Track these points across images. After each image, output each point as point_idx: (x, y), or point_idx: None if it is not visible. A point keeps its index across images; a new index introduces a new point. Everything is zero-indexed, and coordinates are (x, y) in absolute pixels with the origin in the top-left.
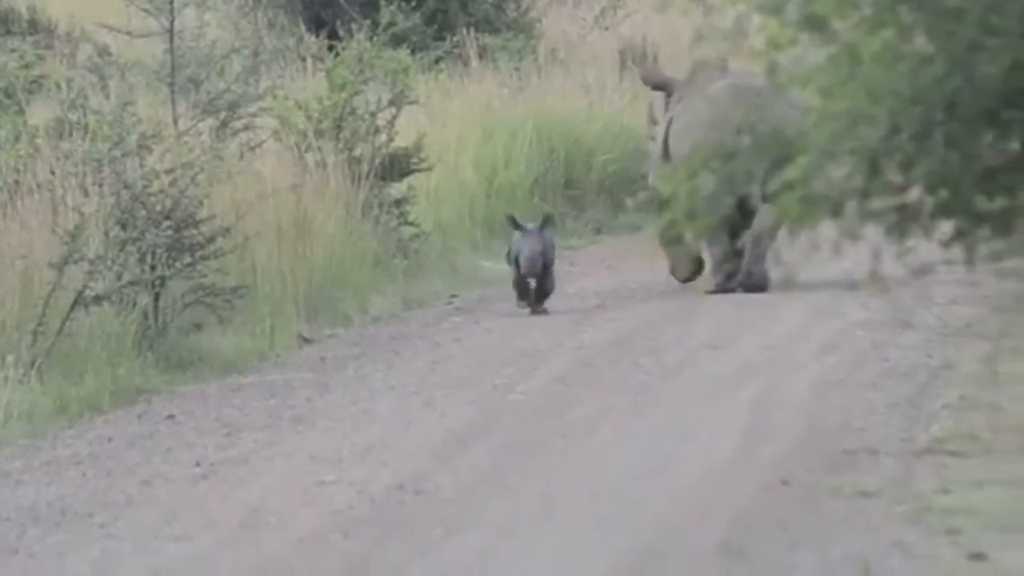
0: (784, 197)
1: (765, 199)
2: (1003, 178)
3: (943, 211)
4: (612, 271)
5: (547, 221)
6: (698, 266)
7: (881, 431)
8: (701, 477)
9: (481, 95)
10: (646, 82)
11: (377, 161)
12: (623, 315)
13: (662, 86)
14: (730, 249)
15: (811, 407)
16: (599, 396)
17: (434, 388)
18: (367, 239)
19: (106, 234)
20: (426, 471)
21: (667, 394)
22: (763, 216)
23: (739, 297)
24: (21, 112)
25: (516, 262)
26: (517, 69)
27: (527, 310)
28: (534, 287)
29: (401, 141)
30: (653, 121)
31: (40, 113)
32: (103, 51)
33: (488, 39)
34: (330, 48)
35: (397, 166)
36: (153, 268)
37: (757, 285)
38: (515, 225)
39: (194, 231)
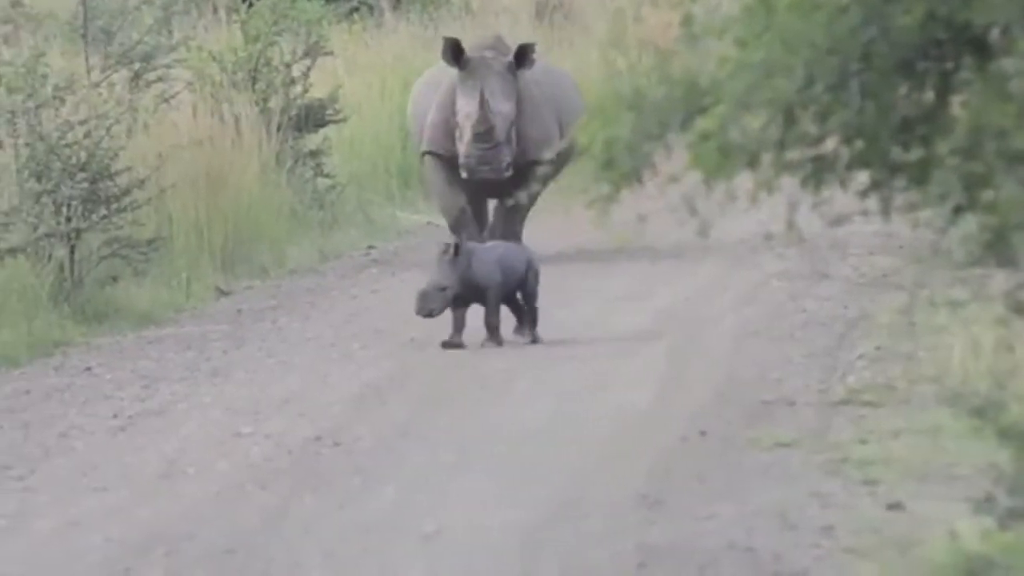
0: (700, 148)
1: None
2: (918, 129)
3: (859, 162)
4: (527, 223)
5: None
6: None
7: (798, 382)
8: (619, 429)
9: (395, 46)
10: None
11: (292, 112)
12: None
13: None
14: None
15: (729, 358)
16: (516, 348)
17: (351, 340)
18: (283, 191)
19: (20, 186)
20: (343, 423)
21: (584, 346)
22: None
23: (655, 249)
24: None
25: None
26: (431, 20)
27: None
28: (526, 312)
29: (316, 92)
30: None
31: None
32: (16, 2)
33: None
34: None
35: (312, 117)
36: (69, 220)
37: None
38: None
39: (109, 183)
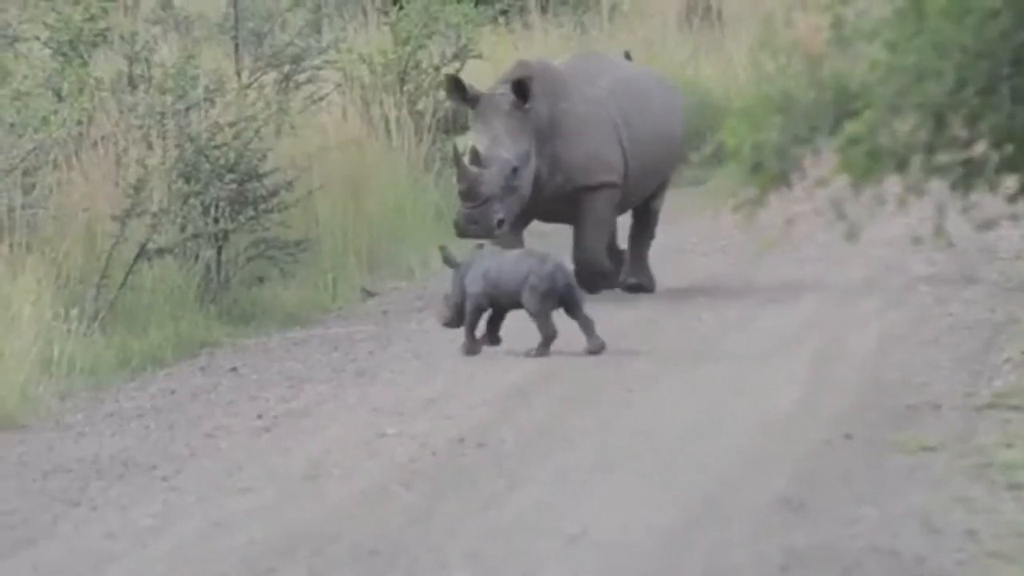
0: (849, 151)
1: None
2: None
3: (1009, 166)
4: (673, 225)
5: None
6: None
7: (944, 386)
8: (762, 431)
9: (544, 49)
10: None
11: (440, 115)
12: (684, 270)
13: (469, 100)
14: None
15: (874, 362)
16: (660, 350)
17: None
18: (430, 193)
19: (169, 187)
20: (487, 424)
21: (728, 348)
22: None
23: (800, 252)
24: (85, 65)
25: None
26: (580, 23)
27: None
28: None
29: None
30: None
31: (104, 66)
32: (167, 4)
33: None
34: (394, 1)
35: (460, 120)
36: (216, 221)
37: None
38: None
39: (257, 184)
